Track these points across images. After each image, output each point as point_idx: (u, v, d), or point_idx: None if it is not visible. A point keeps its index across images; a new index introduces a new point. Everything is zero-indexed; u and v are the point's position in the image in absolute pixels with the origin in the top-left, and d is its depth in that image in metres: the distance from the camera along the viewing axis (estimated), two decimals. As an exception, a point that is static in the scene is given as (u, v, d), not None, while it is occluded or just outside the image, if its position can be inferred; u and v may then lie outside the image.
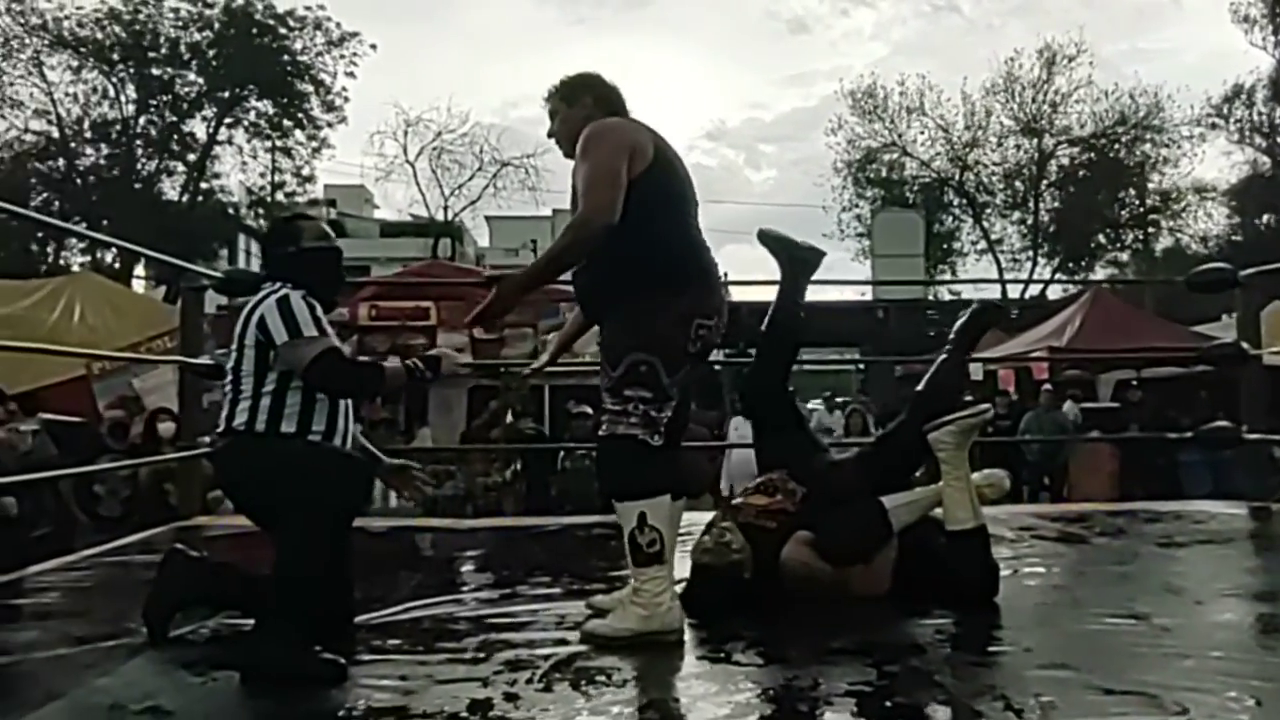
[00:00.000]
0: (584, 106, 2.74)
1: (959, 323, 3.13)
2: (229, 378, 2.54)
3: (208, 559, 2.67)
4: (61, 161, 20.84)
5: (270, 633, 2.27)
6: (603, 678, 2.15)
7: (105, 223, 20.04)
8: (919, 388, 3.06)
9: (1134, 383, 11.28)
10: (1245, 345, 4.87)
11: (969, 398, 11.97)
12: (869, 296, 20.98)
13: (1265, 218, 24.06)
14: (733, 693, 2.04)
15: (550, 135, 2.84)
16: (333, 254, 2.73)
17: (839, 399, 15.22)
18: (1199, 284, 5.19)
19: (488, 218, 27.43)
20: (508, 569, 3.47)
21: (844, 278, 31.57)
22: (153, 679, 2.22)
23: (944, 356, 3.10)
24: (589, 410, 7.28)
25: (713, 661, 2.29)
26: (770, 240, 3.25)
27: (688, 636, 2.48)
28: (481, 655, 2.34)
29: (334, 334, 2.57)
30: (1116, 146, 23.81)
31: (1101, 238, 24.45)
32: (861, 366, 19.08)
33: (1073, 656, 2.24)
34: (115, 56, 20.62)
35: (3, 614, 2.90)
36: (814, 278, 3.29)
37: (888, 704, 1.97)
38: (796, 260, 3.19)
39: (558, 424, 8.74)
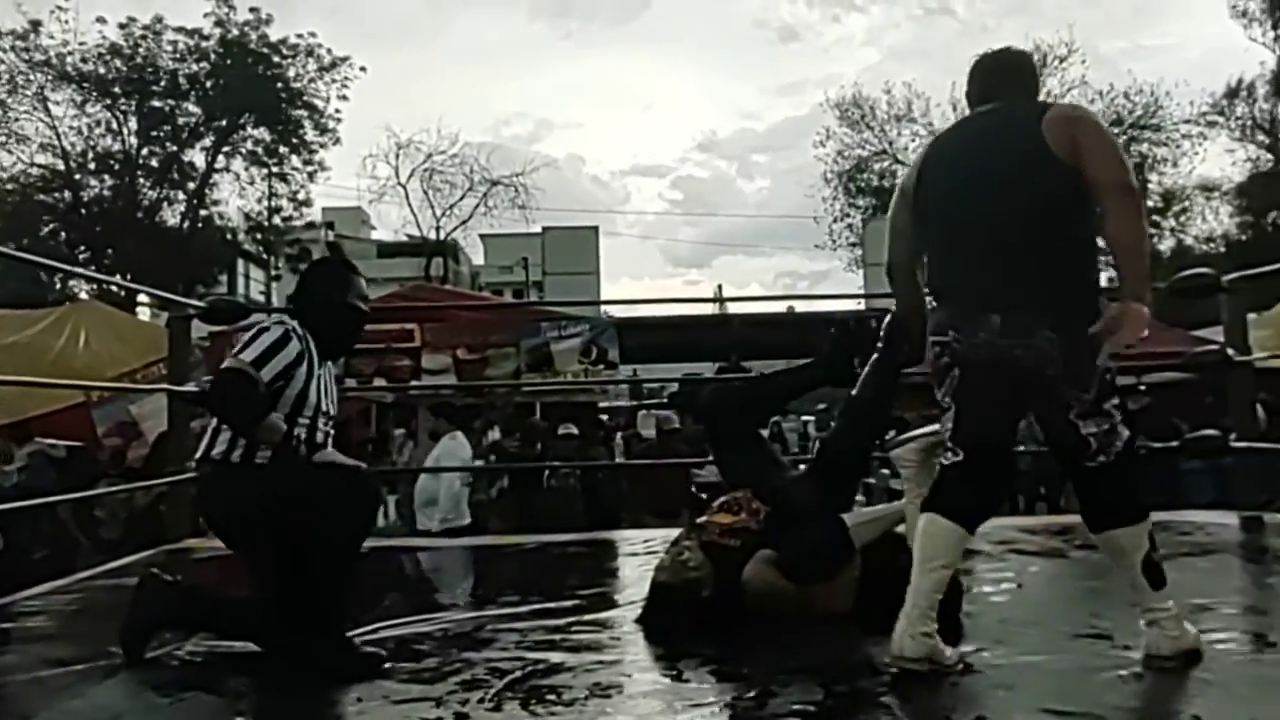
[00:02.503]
0: None
1: (883, 329, 3.12)
2: None
3: (181, 583, 2.70)
4: (67, 193, 21.06)
5: (318, 635, 2.41)
6: (553, 696, 2.17)
7: (110, 251, 20.29)
8: (850, 396, 3.09)
9: (1141, 388, 11.22)
10: (1232, 351, 4.84)
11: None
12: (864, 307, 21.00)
13: (1271, 215, 24.00)
14: (678, 712, 2.04)
15: None
16: (363, 317, 2.80)
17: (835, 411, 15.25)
18: (1182, 290, 5.16)
19: (482, 236, 27.65)
20: (480, 588, 3.48)
21: (836, 288, 31.63)
22: (122, 701, 2.26)
23: (873, 362, 3.11)
24: (574, 431, 7.32)
25: (665, 680, 2.29)
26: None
27: (644, 655, 2.50)
28: (439, 675, 2.36)
29: (290, 374, 2.55)
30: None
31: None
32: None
33: (1026, 676, 2.25)
34: (117, 90, 20.94)
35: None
36: (808, 291, 3.32)
37: (829, 725, 1.97)
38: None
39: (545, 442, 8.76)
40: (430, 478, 6.72)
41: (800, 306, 20.39)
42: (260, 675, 2.46)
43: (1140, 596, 2.33)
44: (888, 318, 3.20)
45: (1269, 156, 23.86)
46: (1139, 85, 23.67)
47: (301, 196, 23.37)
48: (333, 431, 2.77)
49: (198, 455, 2.61)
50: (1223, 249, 23.38)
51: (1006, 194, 2.39)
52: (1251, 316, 10.12)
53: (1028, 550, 3.96)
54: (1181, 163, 23.92)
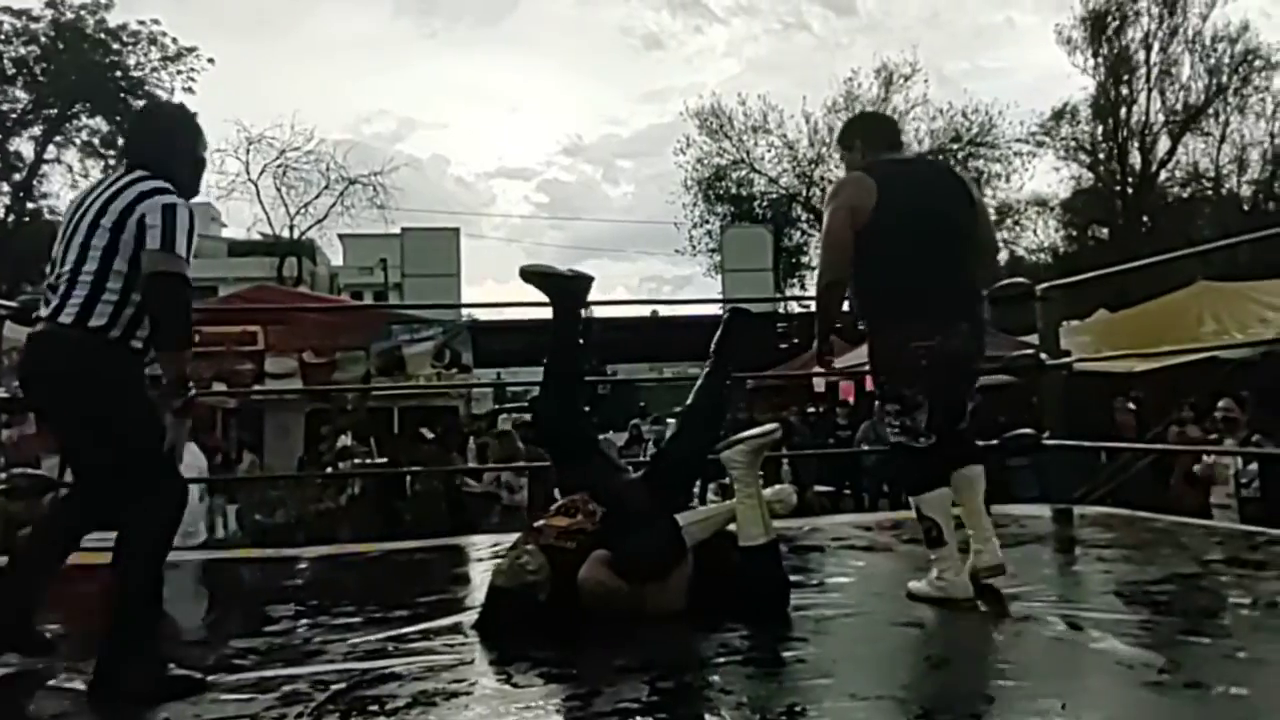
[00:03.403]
0: (854, 149, 3.22)
1: (716, 335, 3.29)
2: (81, 263, 2.41)
3: None
4: None
5: (124, 651, 2.28)
6: (375, 707, 2.14)
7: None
8: (688, 402, 3.21)
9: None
10: (1044, 356, 5.16)
11: (814, 408, 12.27)
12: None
13: (1092, 229, 25.77)
14: (503, 715, 2.05)
15: None
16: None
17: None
18: (1000, 298, 5.48)
19: (341, 236, 26.88)
20: (315, 598, 3.39)
21: (698, 292, 32.15)
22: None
23: (707, 370, 3.24)
24: (429, 434, 7.23)
25: (494, 685, 2.30)
26: (535, 277, 3.31)
27: (476, 661, 2.50)
28: (259, 690, 2.29)
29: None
30: (952, 162, 25.06)
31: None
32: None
33: (840, 666, 2.36)
34: (-69, 70, 19.44)
35: None
36: (673, 295, 3.57)
37: (649, 720, 2.02)
38: (565, 291, 3.27)
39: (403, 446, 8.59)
40: None
41: (663, 311, 20.84)
42: (58, 699, 2.32)
43: (979, 521, 3.04)
44: (721, 328, 3.33)
45: (1090, 175, 25.63)
46: (975, 105, 25.10)
47: (140, 190, 22.18)
48: None
49: (66, 320, 2.38)
50: (1051, 260, 24.95)
51: (967, 228, 3.05)
52: (1074, 323, 10.90)
53: (859, 545, 4.14)
54: (1013, 178, 25.52)
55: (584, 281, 3.33)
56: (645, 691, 2.17)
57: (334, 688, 2.27)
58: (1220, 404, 7.99)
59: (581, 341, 3.31)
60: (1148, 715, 2.04)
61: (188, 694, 2.24)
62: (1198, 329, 9.35)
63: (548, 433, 3.32)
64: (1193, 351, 8.05)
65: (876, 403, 3.22)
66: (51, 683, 2.40)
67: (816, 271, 3.06)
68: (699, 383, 3.26)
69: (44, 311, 2.46)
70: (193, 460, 6.18)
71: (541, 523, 3.05)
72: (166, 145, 2.59)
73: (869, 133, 3.26)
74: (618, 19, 58.25)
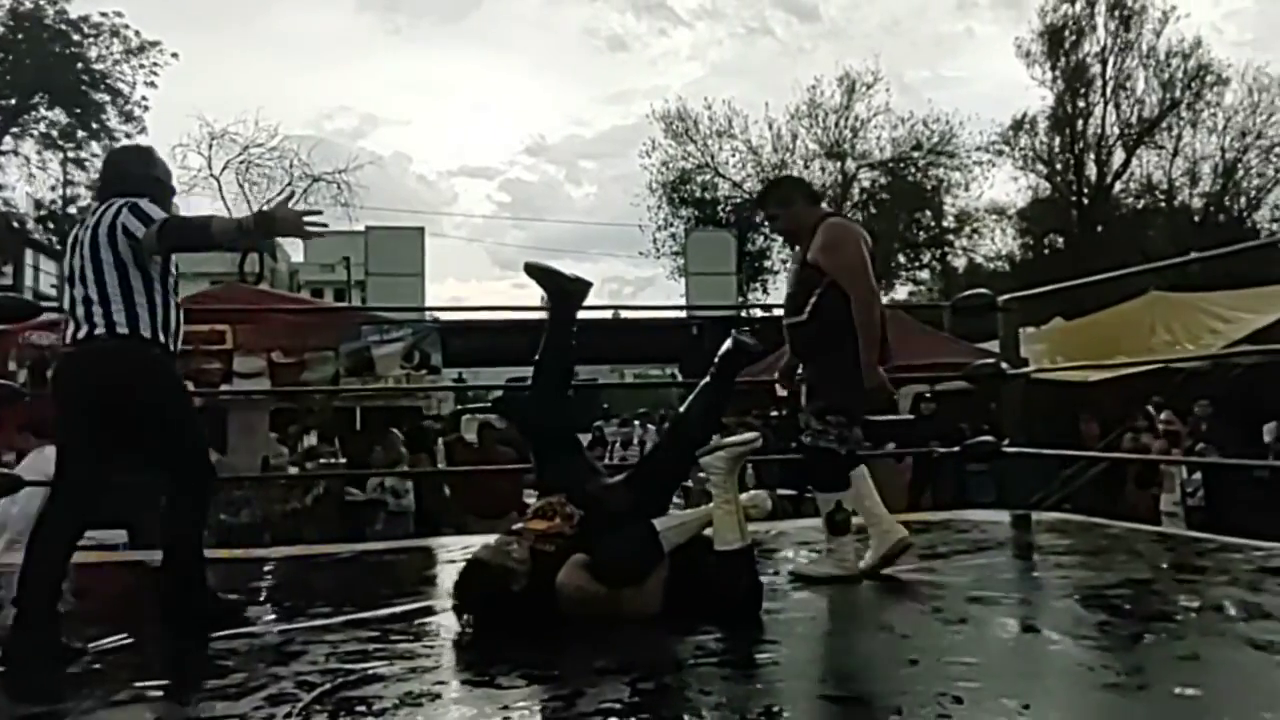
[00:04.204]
0: (796, 204, 3.60)
1: (720, 354, 3.33)
2: (101, 276, 2.76)
3: None
4: None
5: (190, 586, 2.89)
6: (363, 708, 2.18)
7: None
8: (680, 411, 3.27)
9: (928, 395, 11.99)
10: (1005, 365, 5.30)
11: (777, 412, 12.41)
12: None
13: (1049, 238, 26.24)
14: (488, 716, 2.10)
15: (776, 230, 4.04)
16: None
17: (660, 413, 15.61)
18: (963, 307, 5.64)
19: (302, 233, 26.49)
20: (290, 599, 3.42)
21: (661, 294, 32.23)
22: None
23: (707, 384, 3.29)
24: (400, 435, 7.23)
25: (475, 686, 2.35)
26: (538, 272, 3.38)
27: (458, 662, 2.55)
28: (245, 690, 2.32)
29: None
30: (913, 170, 25.40)
31: (901, 258, 25.99)
32: (680, 381, 19.52)
33: (813, 668, 2.45)
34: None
35: None
36: (635, 297, 3.72)
37: (631, 720, 2.08)
38: (564, 292, 3.34)
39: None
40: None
41: (625, 313, 20.86)
42: (43, 694, 2.36)
43: (876, 510, 3.53)
44: (729, 344, 3.36)
45: (1047, 185, 26.10)
46: (936, 114, 25.44)
47: (100, 185, 21.87)
48: None
49: (124, 331, 2.73)
50: (1008, 267, 25.35)
51: None
52: (1030, 330, 11.12)
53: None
54: (973, 187, 25.90)
55: (583, 285, 3.43)
56: (627, 692, 2.23)
57: (319, 689, 2.30)
58: (1161, 416, 8.23)
59: (574, 343, 3.38)
60: (1104, 715, 2.14)
61: (234, 617, 2.97)
62: (1150, 338, 9.59)
63: (534, 429, 3.37)
64: (1146, 363, 8.27)
65: (811, 414, 3.47)
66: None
67: (862, 297, 3.36)
68: (696, 393, 3.29)
69: (85, 329, 2.75)
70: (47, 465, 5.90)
71: (520, 525, 3.11)
72: (124, 177, 3.02)
73: (807, 192, 3.74)
74: (582, 19, 58.38)
